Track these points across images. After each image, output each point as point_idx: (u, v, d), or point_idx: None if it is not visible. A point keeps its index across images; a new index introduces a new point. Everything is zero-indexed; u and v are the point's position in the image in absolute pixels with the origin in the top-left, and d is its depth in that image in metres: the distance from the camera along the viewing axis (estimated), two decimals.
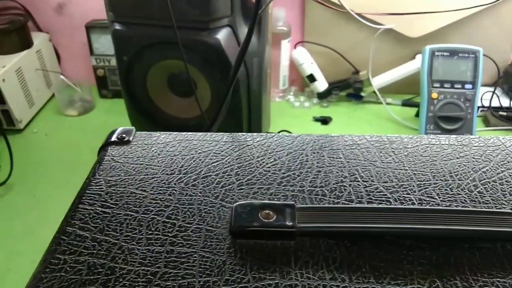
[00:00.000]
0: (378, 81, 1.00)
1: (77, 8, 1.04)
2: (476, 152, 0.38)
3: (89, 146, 0.88)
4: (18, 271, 0.62)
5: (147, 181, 0.35)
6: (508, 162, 0.37)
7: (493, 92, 0.96)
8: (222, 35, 0.66)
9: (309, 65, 0.99)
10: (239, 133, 0.42)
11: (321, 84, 1.01)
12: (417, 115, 0.96)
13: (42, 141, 0.90)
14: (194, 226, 0.30)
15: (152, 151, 0.39)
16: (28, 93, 0.95)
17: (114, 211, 0.31)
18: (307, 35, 1.01)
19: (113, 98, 1.06)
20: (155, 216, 0.31)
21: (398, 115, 0.96)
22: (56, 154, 0.86)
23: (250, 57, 0.71)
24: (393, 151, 0.38)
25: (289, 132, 0.85)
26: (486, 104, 0.95)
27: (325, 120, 0.97)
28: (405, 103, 1.02)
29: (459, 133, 0.80)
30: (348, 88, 1.03)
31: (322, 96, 1.03)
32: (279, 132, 0.84)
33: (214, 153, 0.39)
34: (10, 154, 0.77)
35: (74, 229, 0.30)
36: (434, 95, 0.80)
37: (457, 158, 0.37)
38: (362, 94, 1.02)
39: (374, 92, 0.99)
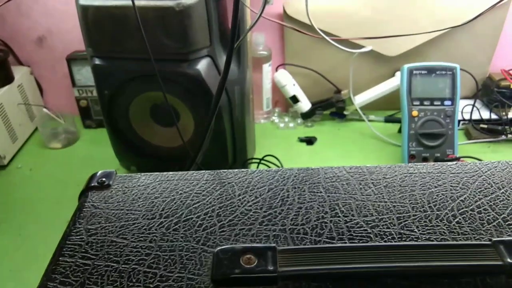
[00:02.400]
0: (360, 99, 1.01)
1: (58, 40, 1.04)
2: (453, 179, 0.39)
3: (74, 179, 0.87)
4: None
5: (128, 227, 0.35)
6: (485, 189, 0.38)
7: (473, 105, 0.97)
8: (202, 66, 0.67)
9: (292, 87, 1.00)
10: (220, 170, 0.42)
11: (305, 105, 1.02)
12: (400, 131, 0.97)
13: (27, 177, 0.89)
14: (176, 275, 0.30)
15: (133, 194, 0.39)
16: (11, 129, 0.95)
17: (95, 263, 0.31)
18: (288, 57, 1.03)
19: (97, 128, 1.05)
20: (136, 266, 0.31)
21: (381, 131, 0.97)
22: (41, 189, 0.85)
23: (231, 85, 0.72)
24: (372, 182, 0.39)
25: (275, 157, 0.86)
26: (467, 117, 0.96)
27: (310, 140, 0.98)
28: (388, 120, 1.03)
29: (441, 149, 0.81)
30: (331, 107, 1.04)
31: (306, 116, 1.04)
32: (264, 157, 0.85)
33: (195, 193, 0.39)
34: None
35: (55, 284, 0.30)
36: (415, 113, 0.81)
37: (435, 187, 0.38)
38: (345, 112, 1.03)
39: (357, 110, 1.00)
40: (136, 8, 0.56)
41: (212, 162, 0.72)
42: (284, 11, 0.95)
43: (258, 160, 0.84)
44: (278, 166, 0.85)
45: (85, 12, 0.64)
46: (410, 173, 0.40)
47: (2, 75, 0.96)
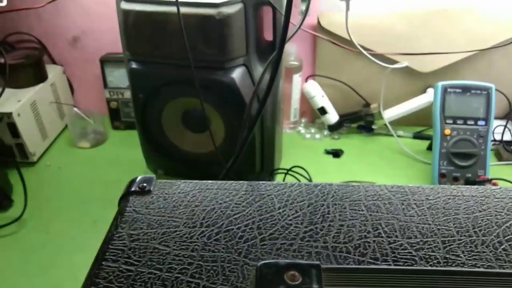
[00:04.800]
0: (389, 114, 1.00)
1: (92, 41, 1.05)
2: (498, 204, 0.38)
3: (102, 179, 0.89)
4: None
5: (170, 235, 0.35)
6: None
7: (505, 126, 0.95)
8: (237, 75, 0.67)
9: (320, 98, 1.00)
10: (259, 182, 0.42)
11: (332, 117, 1.02)
12: (429, 148, 0.96)
13: (55, 174, 0.91)
14: (219, 287, 0.30)
15: (174, 201, 0.39)
16: (42, 126, 0.96)
17: (138, 269, 0.31)
18: (318, 69, 1.02)
19: (126, 130, 1.07)
20: (179, 275, 0.31)
21: (409, 148, 0.96)
22: (69, 188, 0.86)
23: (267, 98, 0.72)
24: (415, 203, 0.38)
25: (303, 168, 0.85)
26: (498, 138, 0.94)
27: (336, 153, 0.97)
28: (417, 136, 1.02)
29: (472, 169, 0.79)
30: (359, 120, 1.03)
31: (333, 128, 1.03)
32: (292, 168, 0.84)
33: (235, 203, 0.39)
34: (24, 189, 0.77)
35: None
36: (447, 131, 0.80)
37: (480, 211, 0.37)
38: (373, 126, 1.02)
39: (385, 124, 1.00)
40: (180, 15, 0.56)
41: (239, 169, 0.72)
42: (319, 22, 0.95)
43: (285, 171, 0.84)
44: (306, 178, 0.85)
45: (126, 17, 0.65)
46: (453, 195, 0.39)
47: (37, 73, 0.98)
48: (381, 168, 0.92)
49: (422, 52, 0.93)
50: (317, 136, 1.04)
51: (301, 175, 0.85)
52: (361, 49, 0.84)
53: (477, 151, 0.79)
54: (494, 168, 0.88)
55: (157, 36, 0.65)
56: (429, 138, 0.98)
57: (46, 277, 0.65)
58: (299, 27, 0.57)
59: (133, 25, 0.66)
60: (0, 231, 0.75)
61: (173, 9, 0.61)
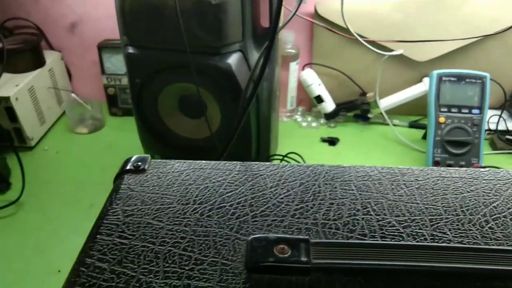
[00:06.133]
0: (385, 103, 1.01)
1: (89, 27, 1.06)
2: (486, 185, 0.39)
3: (99, 164, 0.89)
4: None
5: (163, 211, 0.35)
6: None
7: (500, 116, 0.96)
8: (233, 60, 0.68)
9: (317, 87, 1.01)
10: (252, 162, 0.43)
11: (329, 105, 1.02)
12: (424, 137, 0.97)
13: (53, 159, 0.91)
14: (210, 259, 0.30)
15: (168, 180, 0.39)
16: (40, 111, 0.97)
17: (132, 242, 0.32)
18: (315, 57, 1.03)
19: (123, 116, 1.07)
20: (172, 248, 0.31)
21: (405, 136, 0.97)
22: (67, 172, 0.87)
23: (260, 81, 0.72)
24: (404, 184, 0.39)
25: (298, 155, 0.86)
26: (493, 127, 0.95)
27: (332, 141, 0.98)
28: (412, 125, 1.02)
29: (466, 157, 0.80)
30: (356, 109, 1.03)
31: (330, 116, 1.04)
32: (288, 154, 0.85)
33: (228, 182, 0.39)
34: (22, 172, 0.78)
35: (93, 261, 0.31)
36: (442, 119, 0.81)
37: (468, 192, 0.38)
38: (369, 115, 1.03)
39: (381, 113, 1.00)
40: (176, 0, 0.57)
41: (235, 155, 0.73)
42: (316, 10, 0.96)
43: (281, 157, 0.85)
44: None
45: (123, 1, 0.65)
46: (442, 177, 0.40)
47: (35, 59, 0.98)
48: (377, 156, 0.93)
49: (417, 40, 0.94)
50: (314, 124, 1.05)
51: (296, 161, 0.86)
52: (356, 35, 0.85)
53: (471, 139, 0.80)
54: (488, 157, 0.89)
55: (153, 21, 0.66)
56: (424, 127, 0.99)
57: (42, 258, 0.66)
58: (294, 13, 0.57)
59: (129, 10, 0.66)
60: None
61: None
